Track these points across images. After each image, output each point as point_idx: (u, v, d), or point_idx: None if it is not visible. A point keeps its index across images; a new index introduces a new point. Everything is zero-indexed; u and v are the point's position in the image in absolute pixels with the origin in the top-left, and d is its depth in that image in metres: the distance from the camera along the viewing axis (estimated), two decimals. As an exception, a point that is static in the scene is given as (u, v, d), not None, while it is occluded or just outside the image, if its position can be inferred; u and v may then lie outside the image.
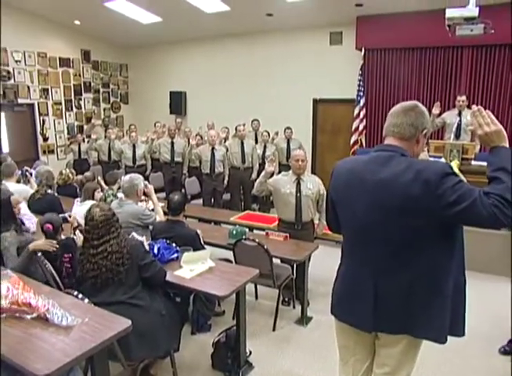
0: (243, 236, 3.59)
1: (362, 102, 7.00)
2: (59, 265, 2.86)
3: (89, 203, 3.64)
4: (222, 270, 2.98)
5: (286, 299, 3.94)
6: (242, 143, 6.51)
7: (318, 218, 4.06)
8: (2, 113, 7.67)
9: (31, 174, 4.97)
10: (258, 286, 3.98)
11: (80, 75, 9.05)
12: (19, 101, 7.92)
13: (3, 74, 7.54)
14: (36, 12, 7.64)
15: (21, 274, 2.59)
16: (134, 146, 7.03)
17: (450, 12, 3.98)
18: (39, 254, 2.82)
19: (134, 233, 3.02)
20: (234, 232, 3.71)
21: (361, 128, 7.05)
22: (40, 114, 8.32)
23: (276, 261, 3.54)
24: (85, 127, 8.96)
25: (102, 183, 4.97)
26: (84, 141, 7.99)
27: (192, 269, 2.91)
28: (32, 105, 8.18)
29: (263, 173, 3.86)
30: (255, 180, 4.18)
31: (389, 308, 1.66)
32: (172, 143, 6.86)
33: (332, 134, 7.90)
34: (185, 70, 9.13)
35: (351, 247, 1.80)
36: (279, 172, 4.37)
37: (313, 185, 3.83)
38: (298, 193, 3.77)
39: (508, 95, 6.07)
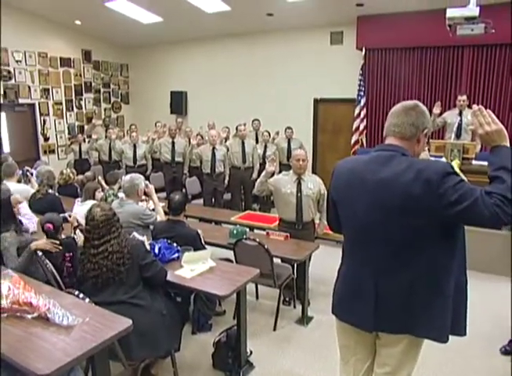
0: (244, 236, 3.60)
1: (363, 101, 7.00)
2: (59, 264, 2.86)
3: (90, 203, 3.65)
4: (223, 270, 2.98)
5: (287, 299, 3.94)
6: (243, 143, 6.51)
7: (318, 217, 4.06)
8: (3, 113, 7.68)
9: (32, 174, 4.98)
10: (259, 286, 3.98)
11: (81, 75, 9.05)
12: (20, 101, 7.93)
13: (4, 74, 7.54)
14: (36, 12, 7.65)
15: (22, 274, 2.59)
16: (134, 146, 7.03)
17: (451, 12, 3.98)
18: (40, 253, 2.83)
19: (135, 233, 3.02)
20: (235, 231, 3.71)
21: (361, 127, 7.04)
22: (41, 114, 8.32)
23: (277, 260, 3.54)
24: (86, 127, 8.97)
25: (103, 183, 4.98)
26: (84, 141, 7.99)
27: (192, 268, 2.91)
28: (33, 105, 8.18)
29: (264, 173, 3.86)
30: (256, 180, 4.18)
31: (390, 307, 1.66)
32: (173, 143, 6.87)
33: (333, 134, 7.90)
34: (186, 69, 9.13)
35: (352, 247, 1.80)
36: (280, 172, 4.36)
37: (314, 184, 3.83)
38: (299, 193, 3.77)
39: (509, 94, 6.06)
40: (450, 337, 1.67)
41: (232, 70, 8.52)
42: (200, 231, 3.42)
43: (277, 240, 3.78)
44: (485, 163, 4.33)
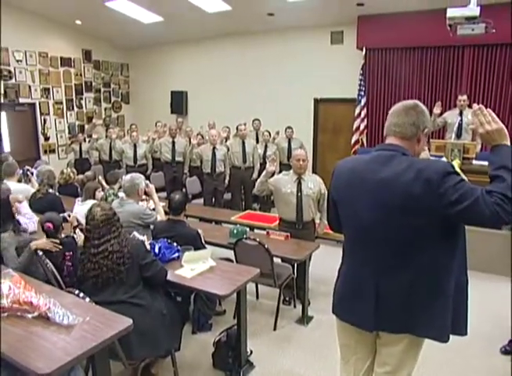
0: (244, 236, 3.60)
1: (363, 101, 7.00)
2: (60, 263, 2.86)
3: (90, 202, 3.65)
4: (223, 270, 2.98)
5: (287, 299, 3.94)
6: (243, 143, 6.51)
7: (319, 217, 4.06)
8: (4, 113, 7.68)
9: (32, 173, 4.98)
10: (259, 285, 3.98)
11: (81, 75, 9.05)
12: (21, 100, 7.93)
13: (4, 74, 7.54)
14: (37, 12, 7.65)
15: (22, 273, 2.59)
16: (135, 146, 7.03)
17: (451, 12, 3.97)
18: (40, 253, 2.83)
19: (135, 233, 3.02)
20: (235, 231, 3.71)
21: (362, 127, 7.04)
22: (41, 114, 8.32)
23: (277, 260, 3.54)
24: (86, 126, 8.96)
25: (103, 183, 4.98)
26: (85, 140, 7.99)
27: (193, 268, 2.91)
28: (33, 104, 8.18)
29: (264, 173, 3.86)
30: (256, 180, 4.18)
31: (391, 307, 1.66)
32: (173, 143, 6.87)
33: (333, 133, 7.90)
34: (187, 69, 9.13)
35: (353, 247, 1.80)
36: (280, 172, 4.36)
37: (314, 184, 3.83)
38: (299, 193, 3.77)
39: (509, 94, 6.06)
40: (450, 336, 1.67)
41: (232, 69, 8.52)
42: (200, 231, 3.42)
43: (277, 239, 3.78)
44: (485, 163, 4.34)
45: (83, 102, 9.19)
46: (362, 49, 6.88)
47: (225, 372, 2.94)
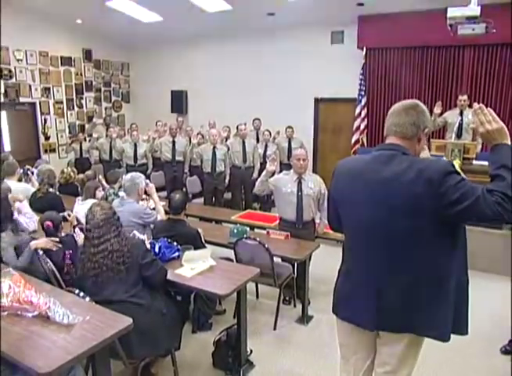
0: (244, 235, 3.60)
1: (364, 101, 7.00)
2: (60, 262, 2.86)
3: (90, 201, 3.64)
4: (223, 269, 2.98)
5: (287, 298, 3.94)
6: (243, 142, 6.51)
7: (319, 217, 4.06)
8: (4, 112, 7.68)
9: (33, 173, 4.98)
10: (259, 285, 3.98)
11: (81, 74, 9.05)
12: (21, 100, 7.92)
13: (5, 73, 7.54)
14: (37, 11, 7.63)
15: (22, 272, 2.59)
16: (135, 145, 7.03)
17: (452, 12, 3.97)
18: (41, 252, 2.83)
19: (135, 232, 3.02)
20: (235, 231, 3.72)
21: (362, 127, 7.05)
22: (41, 113, 8.32)
23: (277, 260, 3.54)
24: (87, 126, 8.96)
25: (104, 182, 4.98)
26: (85, 140, 8.00)
27: (193, 267, 2.91)
28: (34, 104, 8.18)
29: (264, 172, 3.86)
30: (256, 179, 4.18)
31: (392, 306, 1.66)
32: (173, 142, 6.86)
33: (333, 133, 7.90)
34: (187, 68, 9.12)
35: (353, 247, 1.80)
36: (280, 171, 4.37)
37: (314, 184, 3.83)
38: (299, 193, 3.77)
39: (509, 94, 6.06)
40: (451, 336, 1.67)
41: (232, 69, 8.52)
42: (200, 230, 3.42)
43: (277, 239, 3.78)
44: (486, 163, 4.34)
45: (83, 101, 9.19)
46: (362, 49, 6.88)
47: (225, 371, 2.94)
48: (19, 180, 4.61)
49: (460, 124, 5.53)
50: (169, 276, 2.73)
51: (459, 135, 5.52)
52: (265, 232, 4.00)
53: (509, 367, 2.96)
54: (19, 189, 4.14)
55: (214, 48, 8.66)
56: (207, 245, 3.45)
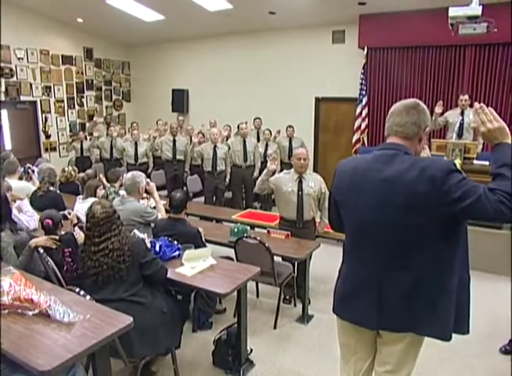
0: (245, 234, 3.60)
1: (365, 100, 6.99)
2: (60, 260, 2.86)
3: (91, 200, 3.64)
4: (224, 268, 2.98)
5: (287, 297, 3.95)
6: (244, 141, 6.52)
7: (319, 216, 4.06)
8: (5, 111, 7.68)
9: (34, 171, 4.99)
10: (259, 284, 3.99)
11: (82, 73, 9.05)
12: (22, 98, 7.94)
13: (6, 72, 7.55)
14: (38, 10, 7.65)
15: (23, 271, 2.60)
16: (136, 144, 7.04)
17: (453, 11, 3.96)
18: (41, 250, 2.83)
19: (135, 231, 3.02)
20: (235, 230, 3.72)
21: (363, 126, 7.04)
22: (42, 112, 8.33)
23: (277, 259, 3.54)
24: (87, 124, 8.98)
25: (104, 181, 4.98)
26: (86, 138, 8.00)
27: (193, 266, 2.91)
28: (34, 102, 8.19)
29: (265, 171, 3.86)
30: (257, 178, 4.18)
31: (393, 306, 1.66)
32: (174, 141, 6.87)
33: (334, 132, 7.89)
34: (188, 67, 9.13)
35: (354, 246, 1.79)
36: (281, 171, 4.36)
37: (315, 183, 3.83)
38: (300, 192, 3.77)
39: (511, 94, 6.05)
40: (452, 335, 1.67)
41: (233, 68, 8.52)
42: (200, 229, 3.43)
43: (278, 238, 3.78)
44: (486, 162, 4.33)
45: (84, 100, 9.20)
46: (363, 48, 6.87)
47: (225, 370, 2.95)
48: (20, 178, 4.61)
49: (461, 124, 5.52)
50: (169, 275, 2.73)
51: (460, 135, 5.51)
52: (265, 231, 4.00)
53: (509, 367, 2.96)
54: (20, 188, 4.15)
55: (214, 47, 8.66)
56: (207, 244, 3.45)
